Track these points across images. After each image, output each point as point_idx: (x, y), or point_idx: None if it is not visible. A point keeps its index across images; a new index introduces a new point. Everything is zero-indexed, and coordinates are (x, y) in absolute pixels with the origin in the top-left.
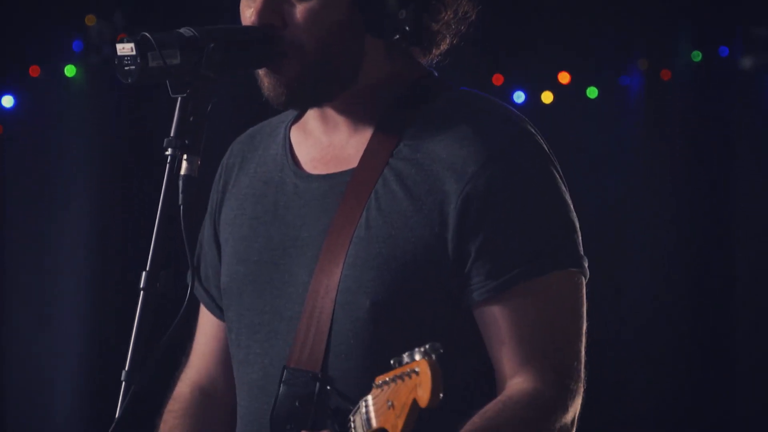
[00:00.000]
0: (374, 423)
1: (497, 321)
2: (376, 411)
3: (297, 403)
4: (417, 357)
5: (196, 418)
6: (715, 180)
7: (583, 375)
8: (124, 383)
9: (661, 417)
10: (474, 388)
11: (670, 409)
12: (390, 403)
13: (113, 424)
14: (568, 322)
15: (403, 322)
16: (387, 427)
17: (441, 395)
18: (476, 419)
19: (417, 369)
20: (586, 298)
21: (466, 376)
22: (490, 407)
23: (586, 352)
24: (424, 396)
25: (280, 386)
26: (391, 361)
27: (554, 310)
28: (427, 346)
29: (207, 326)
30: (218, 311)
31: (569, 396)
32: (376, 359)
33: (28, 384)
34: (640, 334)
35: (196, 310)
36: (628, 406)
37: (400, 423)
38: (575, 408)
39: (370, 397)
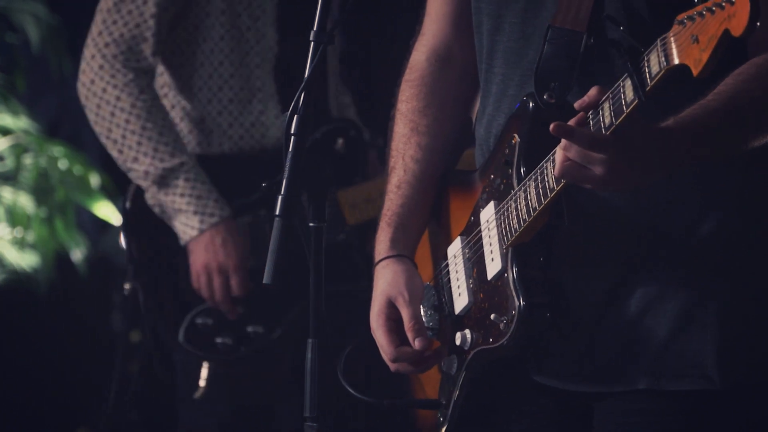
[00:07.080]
0: (675, 59)
1: None
2: (678, 47)
3: (562, 62)
4: None
5: (432, 86)
6: None
7: None
8: (312, 43)
9: None
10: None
11: None
12: (694, 38)
13: (305, 80)
14: None
15: None
16: (689, 62)
17: (758, 24)
18: (729, 80)
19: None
20: None
21: None
22: (744, 68)
23: None
24: (739, 24)
25: (545, 45)
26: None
27: None
28: None
29: None
30: None
31: None
32: None
33: None
34: None
35: None
36: None
37: (705, 56)
38: None
39: (670, 34)
